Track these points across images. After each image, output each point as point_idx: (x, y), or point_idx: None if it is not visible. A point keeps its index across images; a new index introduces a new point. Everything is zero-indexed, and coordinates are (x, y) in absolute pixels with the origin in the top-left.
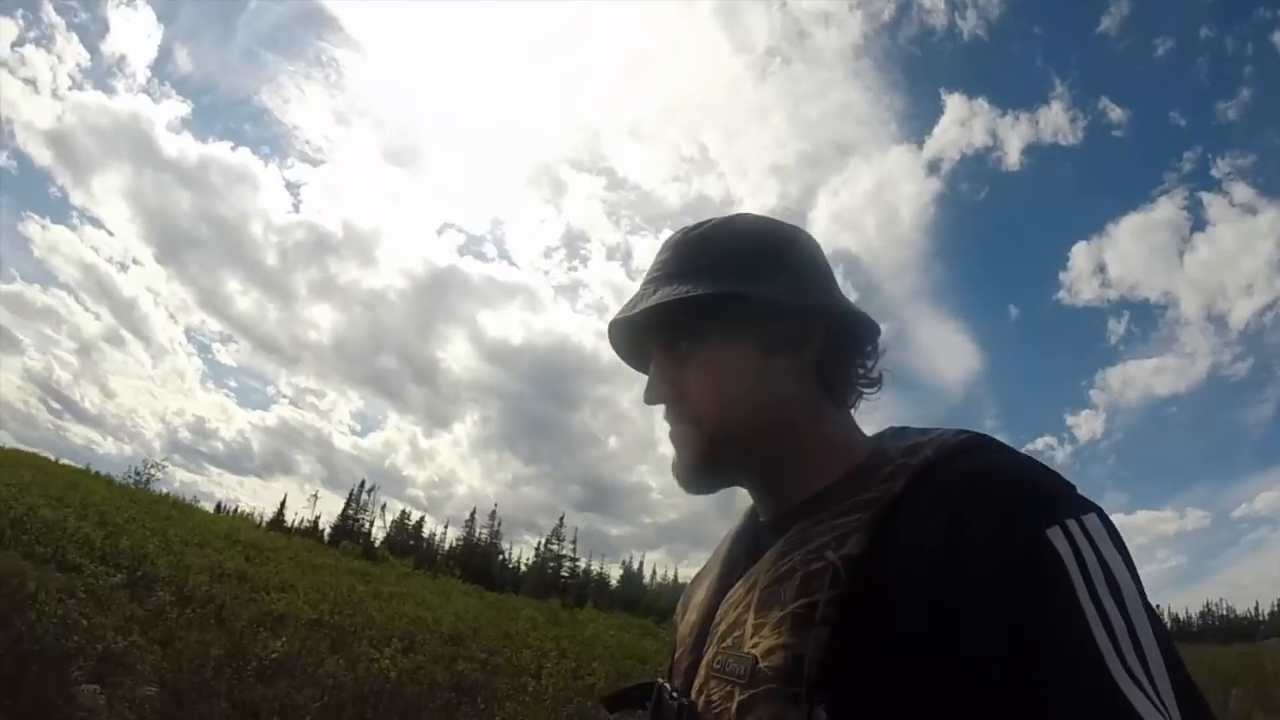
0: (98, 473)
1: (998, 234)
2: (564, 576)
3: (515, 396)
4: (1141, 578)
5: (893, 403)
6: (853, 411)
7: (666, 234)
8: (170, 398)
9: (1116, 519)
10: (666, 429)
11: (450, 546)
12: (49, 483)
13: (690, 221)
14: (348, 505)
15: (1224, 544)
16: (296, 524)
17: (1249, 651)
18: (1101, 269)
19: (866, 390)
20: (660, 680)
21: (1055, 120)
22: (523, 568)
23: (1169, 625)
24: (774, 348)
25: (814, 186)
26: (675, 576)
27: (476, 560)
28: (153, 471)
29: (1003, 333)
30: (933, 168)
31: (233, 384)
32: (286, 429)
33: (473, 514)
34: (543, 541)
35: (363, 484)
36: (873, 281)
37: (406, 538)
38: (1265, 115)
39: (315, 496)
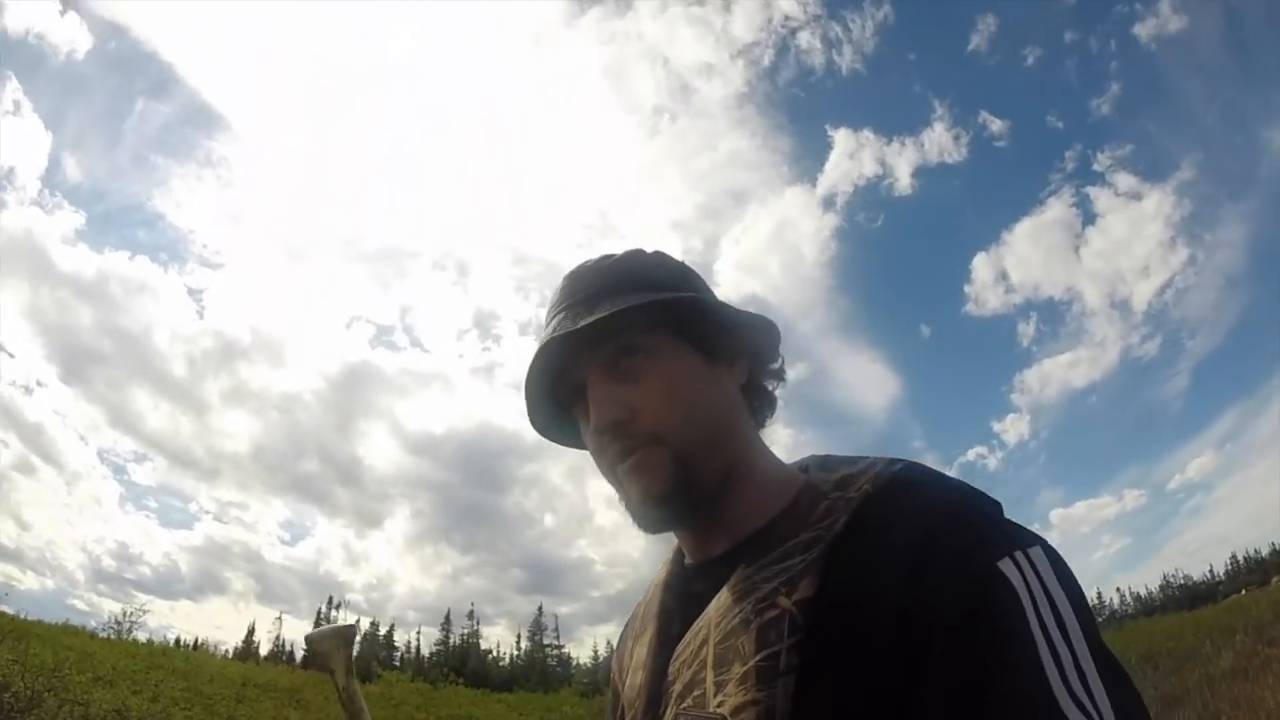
0: (80, 628)
1: (899, 258)
2: (553, 666)
3: (444, 486)
4: (1099, 565)
5: (823, 440)
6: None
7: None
8: (89, 524)
9: (1056, 513)
10: (615, 468)
11: (432, 652)
12: (42, 648)
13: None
14: (317, 623)
15: (1165, 517)
16: (266, 651)
17: (1232, 605)
18: (1004, 276)
19: (775, 408)
20: None
21: (940, 140)
22: (503, 661)
23: (1130, 605)
24: (718, 360)
25: (715, 237)
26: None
27: (473, 663)
28: (133, 619)
29: (917, 353)
30: (828, 203)
31: (153, 504)
32: (214, 546)
33: (448, 615)
34: (520, 634)
35: (329, 600)
36: (784, 321)
37: (379, 651)
38: (1136, 105)
39: (279, 618)
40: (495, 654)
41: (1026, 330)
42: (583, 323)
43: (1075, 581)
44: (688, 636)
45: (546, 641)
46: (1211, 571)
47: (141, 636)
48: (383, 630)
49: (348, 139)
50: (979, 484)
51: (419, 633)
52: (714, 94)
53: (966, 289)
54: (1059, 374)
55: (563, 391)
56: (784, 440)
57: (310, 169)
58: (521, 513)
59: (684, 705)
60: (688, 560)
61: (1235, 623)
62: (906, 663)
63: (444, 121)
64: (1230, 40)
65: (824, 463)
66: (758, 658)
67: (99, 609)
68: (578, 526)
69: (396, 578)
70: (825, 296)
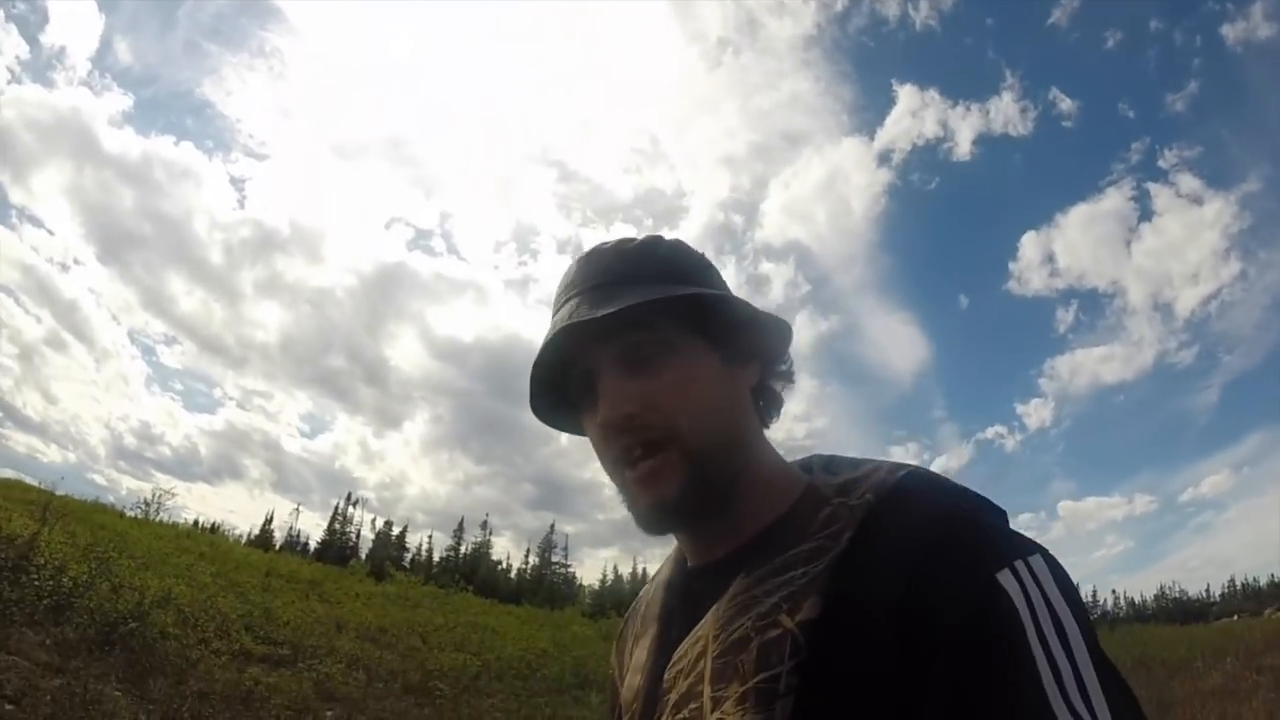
0: (108, 506)
1: (948, 224)
2: (558, 584)
3: (466, 394)
4: (1099, 564)
5: (846, 395)
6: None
7: (618, 227)
8: (114, 402)
9: (1065, 505)
10: (619, 466)
11: (443, 557)
12: (68, 524)
13: (640, 213)
14: (334, 519)
15: (1171, 528)
16: (280, 541)
17: (1224, 628)
18: (1050, 259)
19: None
20: None
21: (1006, 111)
22: (511, 574)
23: (1124, 609)
24: (733, 360)
25: (765, 178)
26: (635, 572)
27: (483, 572)
28: (160, 500)
29: (952, 323)
30: (884, 158)
31: (178, 387)
32: (234, 433)
33: (461, 523)
34: (529, 550)
35: (349, 496)
36: (823, 273)
37: (391, 551)
38: (1212, 107)
39: (297, 509)
40: (505, 566)
41: (1065, 317)
42: (602, 311)
43: (1076, 590)
44: (685, 644)
45: (555, 559)
46: (1208, 590)
47: (163, 518)
48: (395, 530)
49: (406, 41)
50: (994, 463)
51: (430, 537)
52: (782, 32)
53: (1011, 265)
54: (1091, 366)
55: (572, 378)
56: (808, 390)
57: (365, 68)
58: (539, 429)
59: (679, 716)
60: (690, 562)
61: (1227, 645)
62: (907, 681)
63: (504, 31)
64: None
65: (828, 464)
66: (758, 679)
67: (118, 485)
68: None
69: (409, 479)
70: (868, 252)
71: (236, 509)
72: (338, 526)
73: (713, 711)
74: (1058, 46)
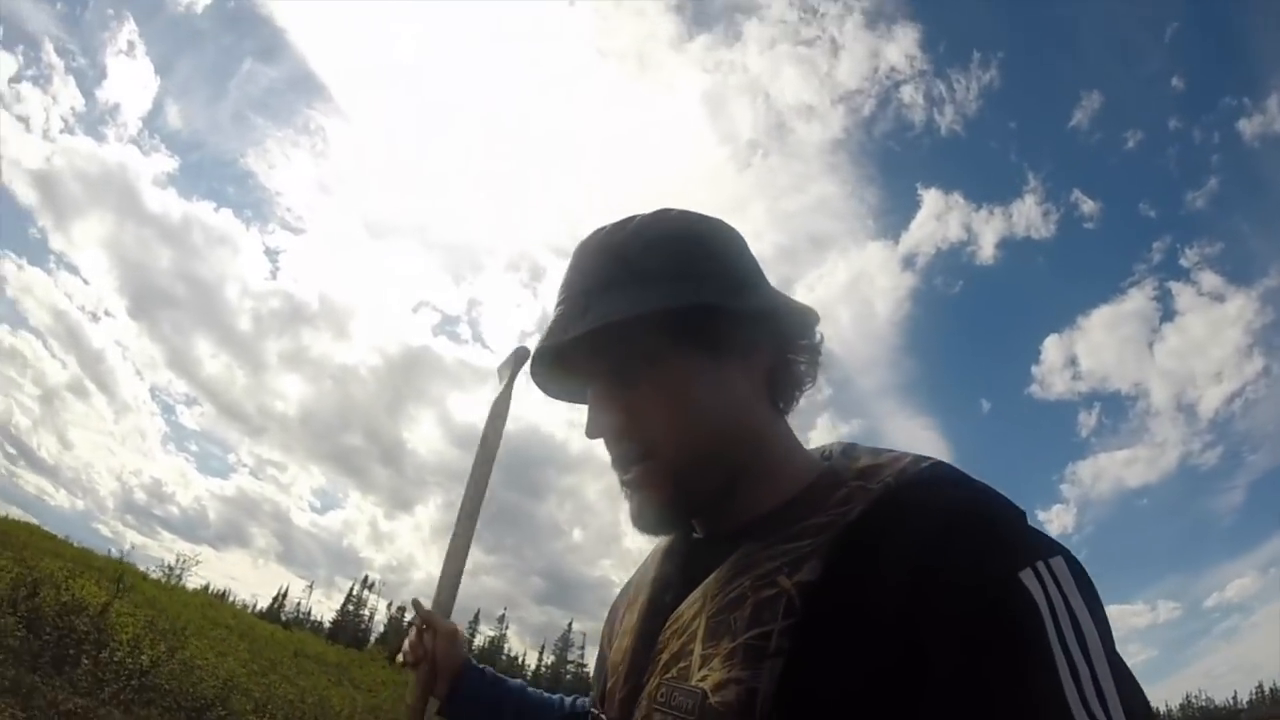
0: (129, 564)
1: (971, 328)
2: (571, 682)
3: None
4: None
5: None
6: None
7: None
8: (129, 456)
9: None
10: (618, 474)
11: None
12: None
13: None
14: (348, 600)
15: (1196, 634)
16: (292, 616)
17: None
18: (1073, 361)
19: (806, 389)
20: (593, 710)
21: (1029, 214)
22: (528, 670)
23: None
24: (725, 354)
25: (791, 280)
26: None
27: (499, 667)
28: (185, 566)
29: (974, 427)
30: (908, 262)
31: (194, 448)
32: (245, 499)
33: (476, 615)
34: (543, 646)
35: (364, 579)
36: (845, 376)
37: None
38: (1232, 203)
39: (311, 588)
40: (521, 662)
41: (1088, 420)
42: (570, 335)
43: (1097, 595)
44: (683, 606)
45: (570, 658)
46: (1235, 698)
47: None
48: (407, 616)
49: (447, 130)
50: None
51: None
52: (810, 136)
53: (1034, 369)
54: (1114, 470)
55: (566, 376)
56: None
57: (405, 152)
58: (552, 523)
59: (668, 676)
60: (695, 534)
61: None
62: (908, 667)
63: (543, 131)
64: None
65: (849, 450)
66: (748, 635)
67: (122, 538)
68: (604, 546)
69: (417, 564)
70: (890, 356)
71: (238, 576)
72: (351, 607)
73: (700, 668)
74: (1079, 148)
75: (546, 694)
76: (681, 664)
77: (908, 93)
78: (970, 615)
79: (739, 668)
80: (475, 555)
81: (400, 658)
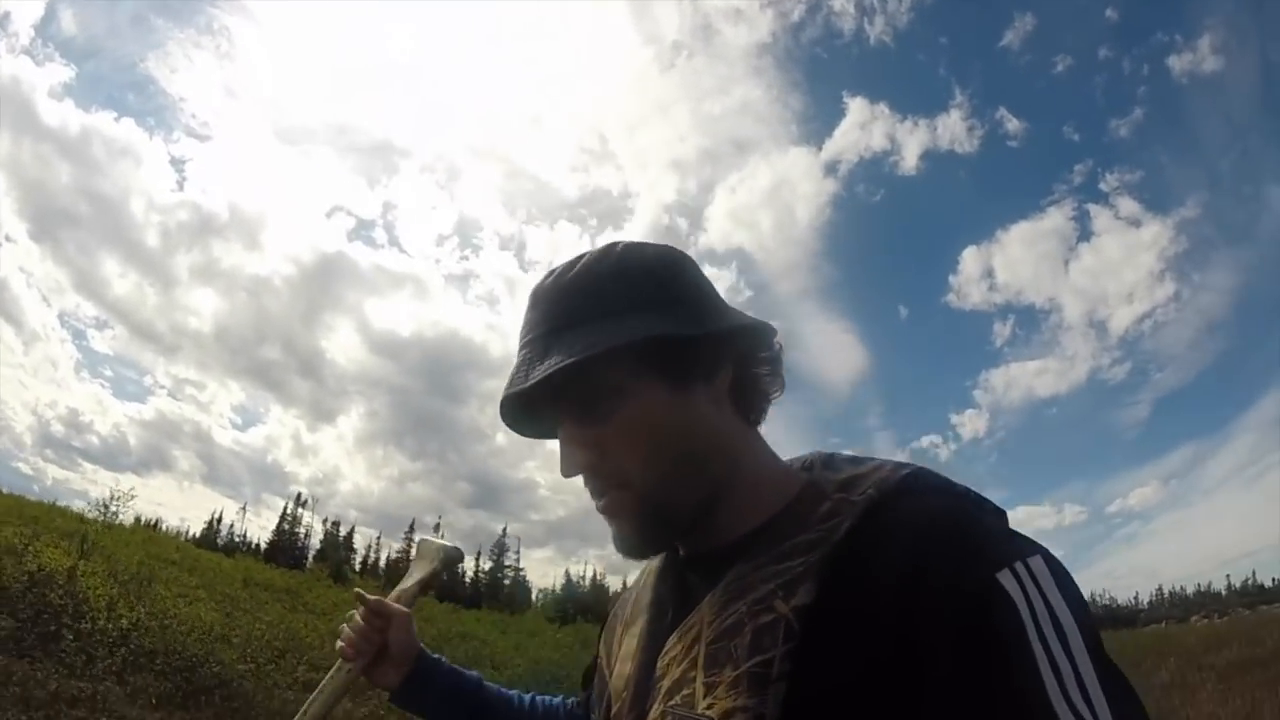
0: (66, 507)
1: (891, 236)
2: (508, 587)
3: (402, 390)
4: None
5: (783, 402)
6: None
7: (563, 225)
8: (42, 388)
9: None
10: (593, 503)
11: (392, 559)
12: (46, 531)
13: (585, 212)
14: (282, 519)
15: (1099, 537)
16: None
17: (1157, 634)
18: (990, 273)
19: (773, 399)
20: None
21: (954, 128)
22: (465, 577)
23: None
24: (688, 379)
25: (712, 182)
26: (596, 577)
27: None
28: (120, 500)
29: (891, 333)
30: (830, 169)
31: (108, 373)
32: (164, 422)
33: (412, 525)
34: (479, 552)
35: (299, 497)
36: (764, 280)
37: (339, 551)
38: (1154, 134)
39: (244, 509)
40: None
41: (1002, 331)
42: (532, 380)
43: (1077, 590)
44: (679, 631)
45: (507, 563)
46: (1136, 598)
47: (81, 506)
48: (343, 531)
49: (356, 27)
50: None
51: (379, 538)
52: (737, 39)
53: (951, 279)
54: (1025, 380)
55: (542, 424)
56: None
57: (313, 52)
58: (475, 427)
59: (671, 703)
60: (682, 552)
61: (1166, 647)
62: (902, 676)
63: (457, 23)
64: (1261, 93)
65: (829, 461)
66: (750, 663)
67: (43, 474)
68: (528, 448)
69: (343, 475)
70: (810, 260)
71: (164, 501)
72: (286, 526)
73: (704, 697)
74: (1008, 68)
75: (504, 689)
76: (684, 691)
77: (838, 0)
78: (953, 621)
79: (744, 695)
80: (401, 463)
81: (339, 645)
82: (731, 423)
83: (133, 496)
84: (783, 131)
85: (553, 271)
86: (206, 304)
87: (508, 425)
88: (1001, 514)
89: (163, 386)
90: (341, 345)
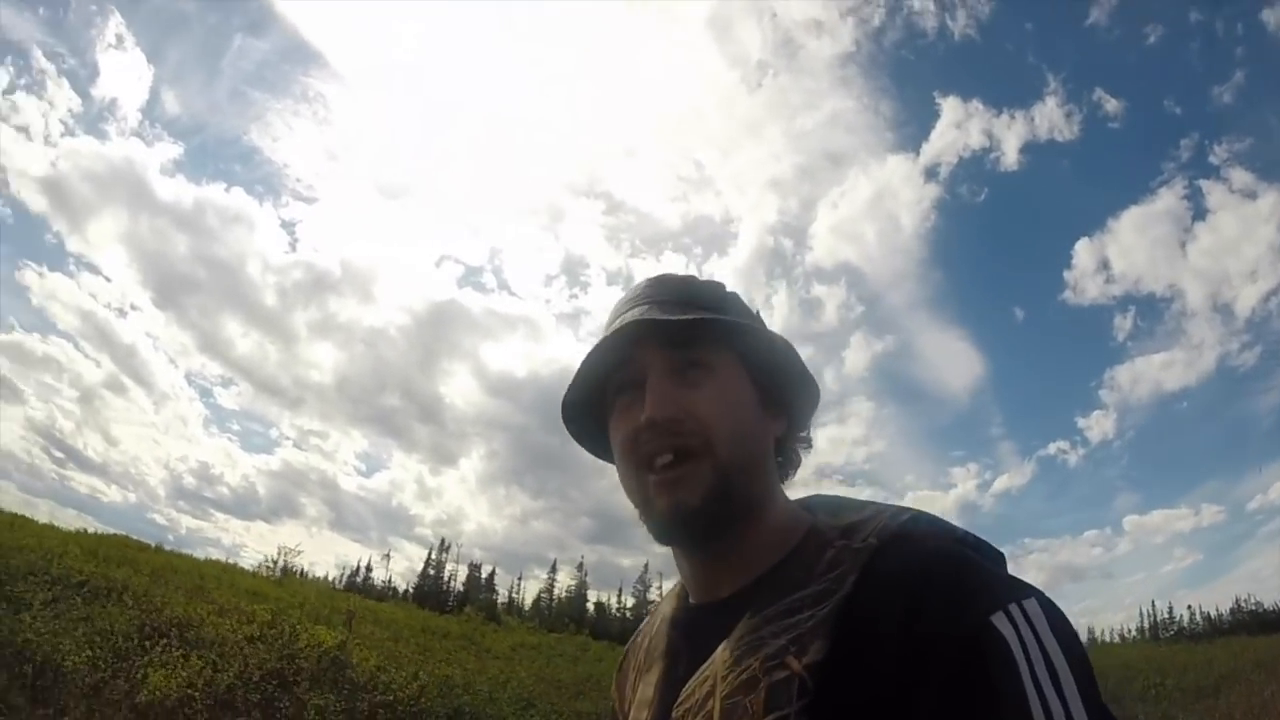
0: (228, 562)
1: (999, 236)
2: None
3: (521, 429)
4: (1167, 578)
5: (903, 416)
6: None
7: (668, 256)
8: (173, 444)
9: (1130, 519)
10: (643, 471)
11: (540, 599)
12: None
13: (689, 241)
14: (427, 564)
15: (1240, 537)
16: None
17: None
18: (1105, 265)
19: (796, 471)
20: None
21: (1051, 116)
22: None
23: (1199, 624)
24: (767, 405)
25: (813, 199)
26: None
27: (589, 616)
28: (286, 558)
29: (1007, 337)
30: (930, 173)
31: (236, 428)
32: (291, 472)
33: (554, 565)
34: (620, 589)
35: (442, 542)
36: (875, 293)
37: (480, 592)
38: (1259, 97)
39: (388, 557)
40: (607, 607)
41: (1123, 324)
42: (674, 316)
43: (1073, 633)
44: (692, 683)
45: (650, 598)
46: None
47: (215, 554)
48: (484, 571)
49: (449, 80)
50: (1057, 480)
51: (520, 579)
52: (821, 51)
53: (1066, 275)
54: (1151, 374)
55: (617, 380)
56: (865, 414)
57: (408, 109)
58: (594, 463)
59: None
60: (692, 599)
61: None
62: (904, 716)
63: (545, 65)
64: None
65: (830, 505)
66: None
67: (177, 524)
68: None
69: (466, 515)
70: (919, 269)
71: (288, 545)
72: (431, 571)
73: None
74: (1099, 46)
75: None
76: None
77: None
78: (947, 664)
79: None
80: (523, 502)
81: None
82: (773, 462)
83: (299, 551)
84: (877, 140)
85: (673, 273)
86: (326, 357)
87: (586, 370)
88: (1000, 557)
89: (288, 438)
90: (459, 389)
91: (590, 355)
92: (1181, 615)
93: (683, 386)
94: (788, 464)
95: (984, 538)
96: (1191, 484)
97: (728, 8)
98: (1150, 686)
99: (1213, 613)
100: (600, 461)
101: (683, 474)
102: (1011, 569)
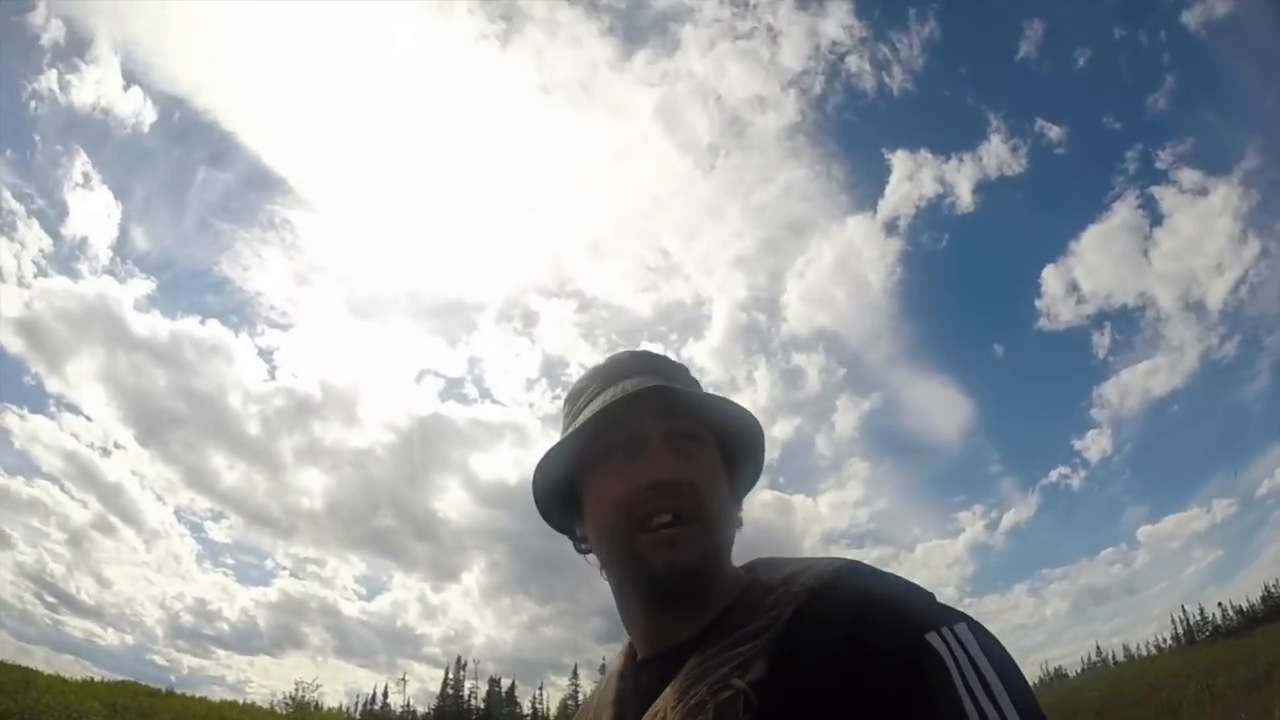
0: (254, 705)
1: (966, 278)
2: None
3: (519, 537)
4: (1193, 581)
5: (900, 471)
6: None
7: (645, 346)
8: (168, 582)
9: (1144, 531)
10: (636, 532)
11: (563, 704)
12: None
13: (664, 329)
14: (445, 685)
15: (1256, 525)
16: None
17: None
18: (1074, 287)
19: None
20: None
21: (998, 153)
22: None
23: (1234, 619)
24: (730, 475)
25: (780, 271)
26: None
27: None
28: (304, 692)
29: (991, 374)
30: (890, 227)
31: (230, 561)
32: (290, 602)
33: (574, 670)
34: None
35: (459, 660)
36: (853, 353)
37: (502, 706)
38: (1192, 96)
39: (403, 680)
40: None
41: (1102, 341)
42: (679, 387)
43: (1004, 653)
44: (645, 718)
45: None
46: None
47: (220, 692)
48: (504, 685)
49: (409, 200)
50: (1063, 506)
51: (542, 688)
52: (768, 126)
53: (1038, 303)
54: (1138, 384)
55: (610, 440)
56: (861, 474)
57: (372, 227)
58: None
59: None
60: (641, 654)
61: None
62: None
63: (504, 180)
64: (1278, 18)
65: (771, 564)
66: None
67: (179, 664)
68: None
69: (474, 629)
70: (892, 324)
71: (304, 680)
72: (450, 691)
73: None
74: (1032, 77)
75: None
76: None
77: (853, 62)
78: (889, 677)
79: None
80: (530, 609)
81: None
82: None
83: (318, 686)
84: (834, 204)
85: (646, 349)
86: (315, 482)
87: (582, 433)
88: (930, 594)
89: (284, 567)
90: (452, 502)
91: (598, 416)
92: (1213, 614)
93: (679, 456)
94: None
95: (998, 576)
96: (1198, 483)
97: (672, 96)
98: (1202, 689)
99: (1244, 605)
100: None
101: (680, 535)
102: (1034, 602)
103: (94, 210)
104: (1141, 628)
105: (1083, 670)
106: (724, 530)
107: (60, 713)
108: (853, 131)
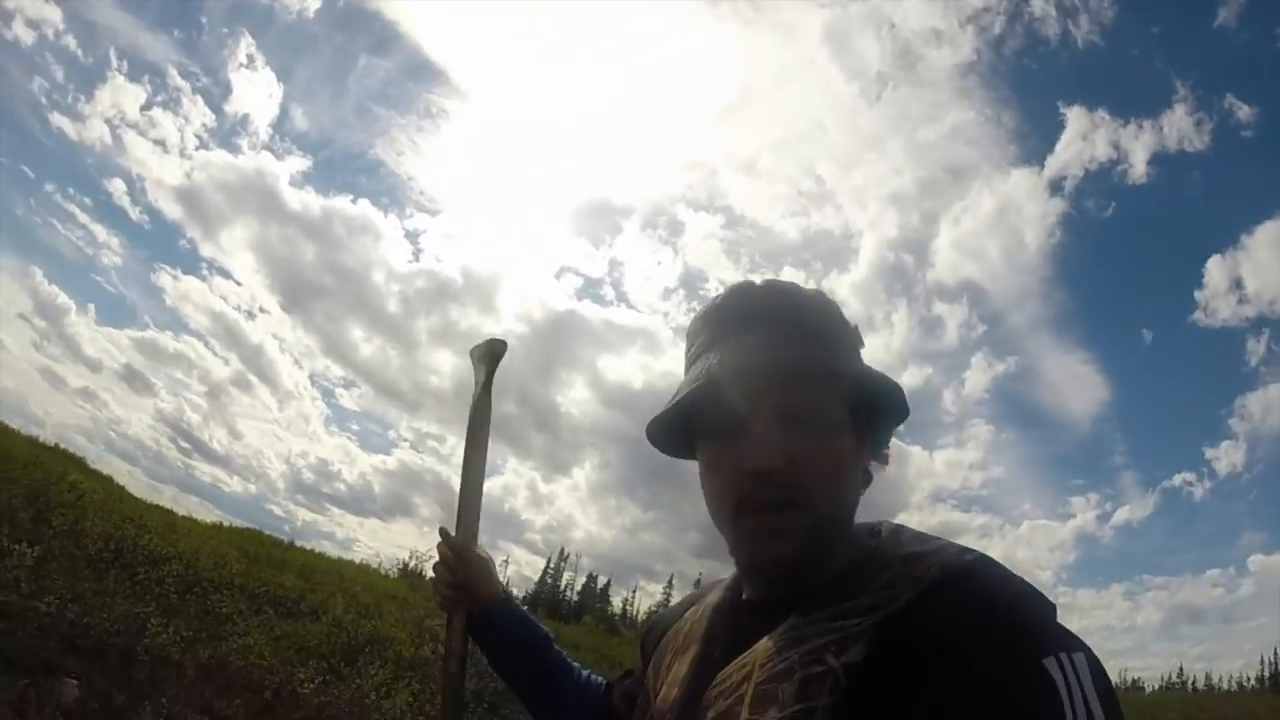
0: (373, 567)
1: (1127, 253)
2: None
3: (635, 441)
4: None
5: (1022, 441)
6: None
7: (788, 271)
8: (295, 440)
9: (1256, 559)
10: (737, 516)
11: (651, 612)
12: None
13: (808, 256)
14: (545, 573)
15: None
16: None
17: None
18: (1238, 284)
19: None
20: None
21: (1180, 125)
22: None
23: None
24: (863, 440)
25: (935, 214)
26: None
27: None
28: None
29: (1134, 361)
30: (1055, 187)
31: (355, 428)
32: (407, 472)
33: (670, 580)
34: None
35: (561, 551)
36: (997, 312)
37: (595, 602)
38: None
39: (506, 562)
40: None
41: (1256, 348)
42: (792, 354)
43: (1113, 693)
44: (730, 668)
45: None
46: None
47: (329, 546)
48: (600, 582)
49: (569, 93)
50: (1181, 514)
51: (635, 590)
52: (941, 62)
53: (1197, 294)
54: None
55: (719, 412)
56: (984, 437)
57: (527, 124)
58: None
59: None
60: (745, 594)
61: None
62: None
63: (665, 80)
64: None
65: (896, 534)
66: (794, 708)
67: (294, 516)
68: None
69: (576, 524)
70: (1043, 288)
71: (404, 545)
72: (549, 580)
73: None
74: (1228, 49)
75: (568, 657)
76: None
77: (1038, 5)
78: (995, 694)
79: None
80: (633, 513)
81: (437, 600)
82: (860, 490)
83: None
84: (1000, 153)
85: (777, 283)
86: (445, 364)
87: (694, 396)
88: (1053, 608)
89: (406, 440)
90: (575, 399)
91: (696, 391)
92: None
93: (790, 434)
94: (864, 482)
95: (1098, 571)
96: None
97: (844, 20)
98: None
99: None
100: None
101: (781, 525)
102: (1128, 606)
103: (256, 90)
104: (1229, 660)
105: (1161, 688)
106: (841, 513)
107: (207, 556)
108: (1029, 79)
